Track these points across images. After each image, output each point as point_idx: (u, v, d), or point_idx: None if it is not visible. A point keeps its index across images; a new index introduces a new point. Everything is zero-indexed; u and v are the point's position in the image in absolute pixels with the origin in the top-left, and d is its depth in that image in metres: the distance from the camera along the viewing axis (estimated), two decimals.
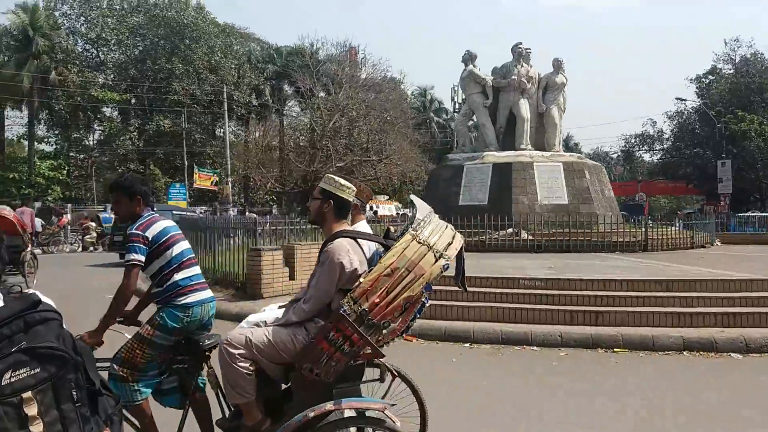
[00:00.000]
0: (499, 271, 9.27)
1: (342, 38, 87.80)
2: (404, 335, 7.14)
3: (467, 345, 7.17)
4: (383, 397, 3.32)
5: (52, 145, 44.29)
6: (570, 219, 13.86)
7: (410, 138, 47.00)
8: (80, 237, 26.37)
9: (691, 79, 53.04)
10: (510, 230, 13.61)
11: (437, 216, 2.83)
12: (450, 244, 2.70)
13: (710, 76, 54.31)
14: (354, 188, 3.14)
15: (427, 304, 2.75)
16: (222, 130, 50.80)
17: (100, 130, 44.54)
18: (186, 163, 39.10)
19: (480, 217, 13.76)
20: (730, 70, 52.78)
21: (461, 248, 2.83)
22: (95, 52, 45.06)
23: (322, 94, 49.00)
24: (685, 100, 50.45)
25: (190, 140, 44.86)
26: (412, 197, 3.11)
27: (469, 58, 17.17)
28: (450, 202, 15.80)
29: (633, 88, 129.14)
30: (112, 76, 43.44)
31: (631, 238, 13.42)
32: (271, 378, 3.03)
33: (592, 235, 13.32)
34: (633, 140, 54.87)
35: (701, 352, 6.52)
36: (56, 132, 45.80)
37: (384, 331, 2.65)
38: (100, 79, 41.56)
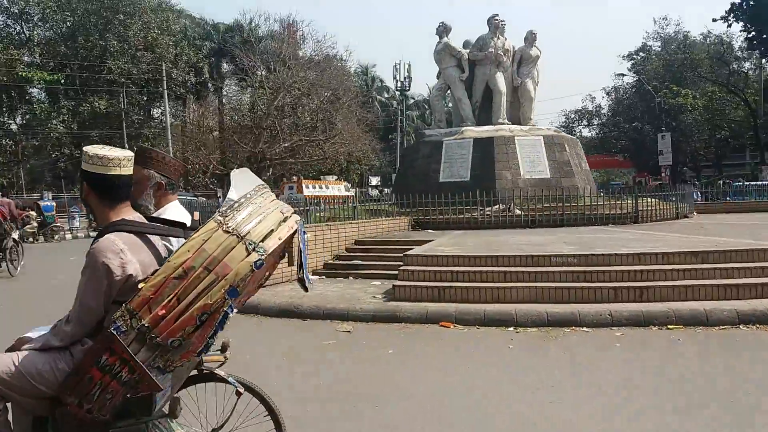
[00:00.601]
0: (518, 248, 8.92)
1: (284, 13, 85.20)
2: (441, 323, 6.77)
3: (511, 329, 6.75)
4: (227, 419, 2.75)
5: None
6: (560, 193, 13.70)
7: (357, 117, 46.33)
8: (19, 227, 24.51)
9: (623, 56, 54.53)
10: (500, 206, 13.33)
11: (270, 194, 2.23)
12: (273, 231, 2.10)
13: (641, 53, 56.12)
14: (123, 157, 2.28)
15: (232, 314, 2.08)
16: (159, 110, 48.72)
17: (26, 112, 41.55)
18: (126, 146, 36.98)
19: (465, 194, 13.44)
20: (659, 47, 54.85)
21: (298, 237, 2.26)
22: (19, 28, 41.94)
23: (262, 72, 47.61)
24: (623, 75, 51.92)
25: (128, 121, 42.65)
26: (233, 172, 2.44)
27: (443, 30, 16.67)
28: (430, 180, 15.42)
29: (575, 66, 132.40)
30: (39, 54, 40.52)
31: (618, 211, 13.38)
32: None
33: (584, 209, 13.22)
34: (573, 116, 56.12)
35: (759, 325, 6.36)
36: None
37: (174, 352, 2.06)
38: (26, 57, 38.63)
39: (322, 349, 6.18)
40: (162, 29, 41.96)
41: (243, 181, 2.28)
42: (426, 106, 76.20)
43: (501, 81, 16.48)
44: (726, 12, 37.31)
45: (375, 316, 7.32)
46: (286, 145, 43.20)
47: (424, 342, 6.36)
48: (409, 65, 60.64)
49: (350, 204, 13.66)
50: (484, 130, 15.81)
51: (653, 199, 14.17)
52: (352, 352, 6.06)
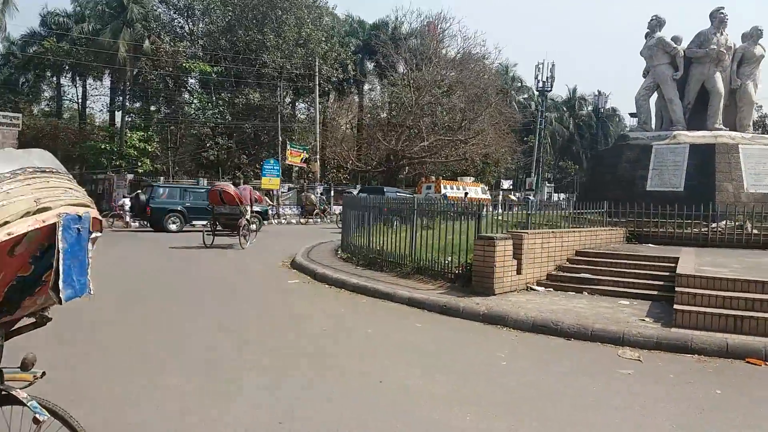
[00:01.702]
0: None
1: (437, 10, 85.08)
2: (747, 359, 5.61)
3: None
4: None
5: (140, 116, 44.04)
6: None
7: (502, 116, 44.96)
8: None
9: None
10: (728, 222, 11.76)
11: (53, 179, 1.95)
12: (29, 214, 1.83)
13: None
14: None
15: None
16: (302, 105, 49.94)
17: (183, 102, 43.87)
18: (279, 139, 38.10)
19: (679, 205, 12.00)
20: None
21: (59, 236, 1.86)
22: (183, 21, 44.51)
23: (406, 69, 47.43)
24: None
25: (277, 115, 44.02)
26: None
27: (657, 24, 15.18)
28: (636, 188, 14.05)
29: None
30: (201, 47, 42.74)
31: None
32: None
33: None
34: None
35: None
36: (142, 104, 45.71)
37: None
38: (190, 50, 40.84)
39: (626, 382, 5.25)
40: (315, 25, 42.77)
41: (15, 156, 1.95)
42: (564, 108, 73.34)
43: (720, 82, 14.70)
44: None
45: (659, 344, 6.32)
46: (426, 144, 42.80)
47: (744, 382, 5.27)
48: (553, 65, 58.38)
49: (542, 210, 12.50)
50: (700, 136, 14.17)
51: None
52: (674, 394, 5.06)
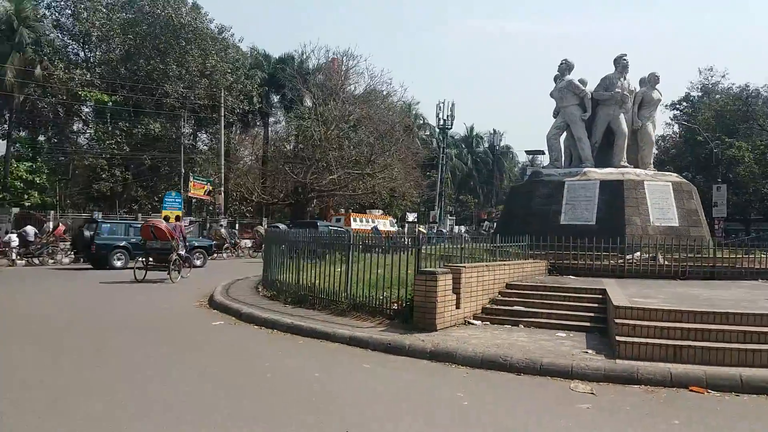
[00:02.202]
0: (732, 305, 8.05)
1: (340, 47, 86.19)
2: (690, 387, 5.88)
3: None
4: None
5: (28, 146, 41.09)
6: (694, 243, 12.83)
7: (410, 152, 45.93)
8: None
9: (666, 105, 54.03)
10: (641, 254, 12.46)
11: None
12: None
13: (684, 103, 55.96)
14: None
15: None
16: (210, 136, 48.60)
17: (84, 131, 41.51)
18: (183, 170, 36.71)
19: (591, 238, 12.62)
20: (700, 97, 54.65)
21: None
22: (78, 48, 42.29)
23: (314, 103, 47.55)
24: (678, 122, 51.37)
25: (179, 147, 42.51)
26: None
27: (566, 67, 16.09)
28: (550, 221, 14.64)
29: None
30: (98, 75, 40.71)
31: (766, 266, 12.41)
32: None
33: (726, 261, 12.32)
34: None
35: None
36: (30, 133, 42.75)
37: None
38: (87, 77, 38.77)
39: (589, 417, 5.30)
40: (220, 57, 42.02)
41: None
42: (463, 145, 76.07)
43: (624, 123, 15.77)
44: None
45: (607, 376, 6.47)
46: (334, 177, 42.86)
47: (695, 412, 5.46)
48: (453, 104, 60.50)
49: (464, 243, 12.68)
50: (608, 172, 15.05)
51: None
52: (638, 427, 5.15)
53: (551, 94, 16.69)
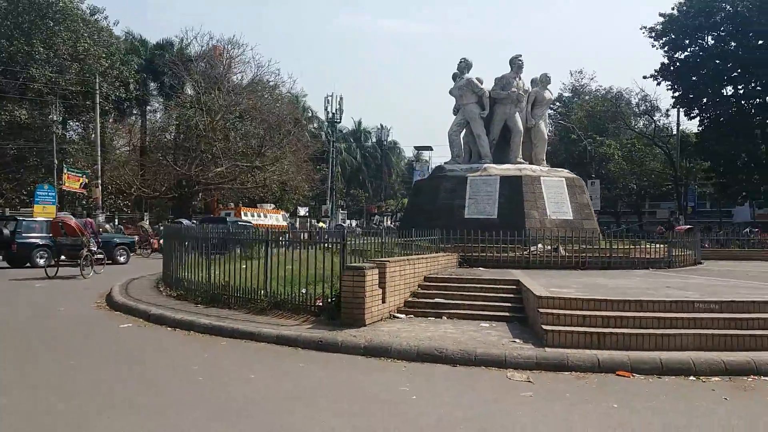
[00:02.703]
0: (642, 293, 8.67)
1: (224, 35, 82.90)
2: (617, 371, 6.32)
3: (692, 378, 6.44)
4: None
5: None
6: (587, 235, 13.76)
7: (300, 144, 45.42)
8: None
9: None
10: (543, 246, 13.12)
11: None
12: None
13: (557, 103, 59.83)
14: None
15: None
16: (82, 125, 45.23)
17: None
18: (56, 161, 33.92)
19: (493, 231, 13.18)
20: (571, 97, 58.94)
21: None
22: None
23: (190, 91, 45.80)
24: (550, 122, 54.62)
25: (48, 136, 39.25)
26: None
27: (465, 66, 16.54)
28: (455, 215, 15.06)
29: None
30: None
31: (653, 255, 13.54)
32: None
33: (620, 252, 13.30)
34: None
35: None
36: None
37: None
38: None
39: (536, 406, 5.50)
40: (93, 40, 39.24)
41: None
42: (351, 139, 76.43)
43: (519, 121, 16.51)
44: (655, 71, 40.04)
45: (539, 364, 6.75)
46: (220, 169, 41.49)
47: (629, 395, 5.83)
48: (341, 98, 60.56)
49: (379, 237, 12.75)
50: (506, 168, 15.71)
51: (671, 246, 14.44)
52: (583, 412, 5.42)
53: (450, 92, 17.13)
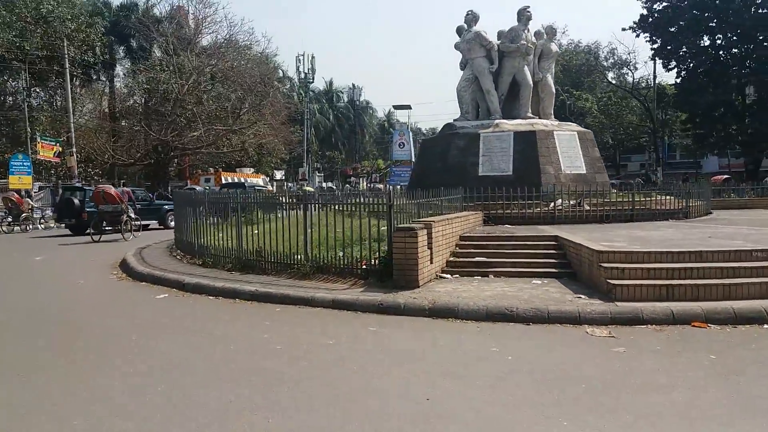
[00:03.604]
0: (694, 243, 8.69)
1: None
2: (693, 323, 6.32)
3: (766, 326, 6.49)
4: None
5: None
6: (599, 189, 13.85)
7: (278, 106, 44.46)
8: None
9: None
10: (560, 201, 13.08)
11: None
12: None
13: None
14: None
15: None
16: (48, 92, 43.43)
17: None
18: (28, 130, 32.57)
19: (509, 188, 13.09)
20: None
21: None
22: None
23: (159, 54, 44.30)
24: None
25: (14, 104, 37.68)
26: None
27: (472, 18, 16.11)
28: (468, 173, 14.88)
29: None
30: None
31: (668, 207, 13.64)
32: None
33: (640, 204, 13.36)
34: None
35: None
36: None
37: None
38: None
39: (638, 360, 5.46)
40: (57, 1, 37.37)
41: None
42: (324, 100, 75.20)
43: (528, 74, 16.24)
44: (634, 23, 40.03)
45: (614, 319, 6.70)
46: (196, 133, 40.41)
47: (719, 345, 5.83)
48: (313, 57, 59.20)
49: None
50: (519, 124, 15.51)
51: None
52: (684, 365, 5.39)
53: (456, 46, 16.75)
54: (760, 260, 7.68)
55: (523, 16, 15.98)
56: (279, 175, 56.92)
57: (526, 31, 16.03)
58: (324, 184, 56.70)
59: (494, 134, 15.06)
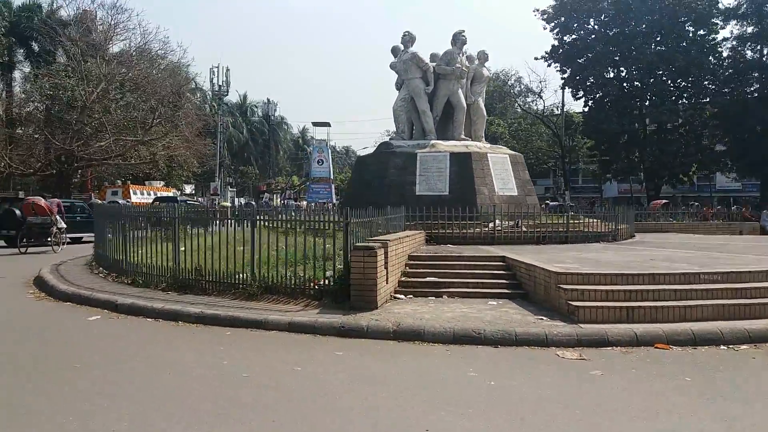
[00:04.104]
0: (647, 267, 8.93)
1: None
2: (656, 344, 6.47)
3: (723, 347, 6.71)
4: None
5: None
6: (527, 210, 14.29)
7: (191, 118, 42.97)
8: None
9: None
10: (498, 221, 13.24)
11: None
12: None
13: None
14: None
15: None
16: None
17: None
18: None
19: (445, 207, 13.16)
20: None
21: None
22: None
23: (63, 59, 41.90)
24: None
25: None
26: None
27: (409, 39, 16.13)
28: (406, 192, 14.83)
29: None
30: None
31: (599, 230, 14.12)
32: None
33: (570, 227, 13.74)
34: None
35: None
36: None
37: None
38: None
39: (618, 385, 5.46)
40: None
41: None
42: (237, 114, 73.59)
43: (462, 97, 16.46)
44: (546, 53, 41.96)
45: (580, 341, 6.73)
46: (104, 144, 38.22)
47: (692, 368, 5.95)
48: (228, 69, 57.99)
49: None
50: (454, 145, 15.63)
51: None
52: (663, 387, 5.44)
53: (392, 66, 16.76)
54: (708, 282, 7.98)
55: (459, 39, 16.23)
56: (188, 189, 54.93)
57: (461, 55, 16.27)
58: (237, 200, 55.24)
59: (431, 154, 15.11)
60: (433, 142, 15.63)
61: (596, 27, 40.48)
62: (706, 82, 37.81)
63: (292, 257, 8.87)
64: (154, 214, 10.65)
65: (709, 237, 17.35)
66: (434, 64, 16.33)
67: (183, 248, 9.93)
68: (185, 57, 65.76)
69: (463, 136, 16.42)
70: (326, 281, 8.50)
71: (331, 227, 9.02)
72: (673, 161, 37.76)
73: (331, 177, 47.04)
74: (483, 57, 17.35)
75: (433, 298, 8.91)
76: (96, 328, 7.75)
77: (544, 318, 7.49)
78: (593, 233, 13.71)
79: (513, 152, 17.16)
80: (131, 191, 37.54)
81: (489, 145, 16.72)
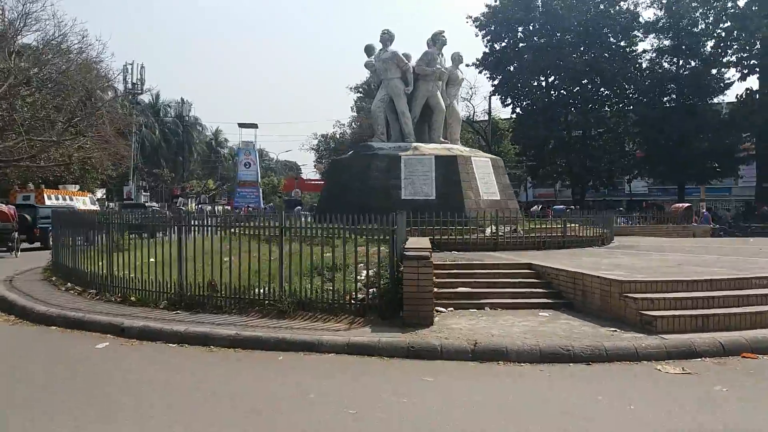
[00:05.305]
0: (668, 273, 8.77)
1: None
2: (742, 354, 6.29)
3: None
4: None
5: None
6: (511, 215, 14.11)
7: (117, 118, 40.17)
8: None
9: (351, 88, 58.16)
10: (493, 227, 12.88)
11: None
12: None
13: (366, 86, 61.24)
14: None
15: None
16: None
17: None
18: None
19: (432, 212, 12.68)
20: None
21: None
22: None
23: None
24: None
25: None
26: None
27: (388, 38, 15.45)
28: (392, 196, 14.18)
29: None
30: None
31: (588, 235, 14.04)
32: None
33: (573, 231, 13.65)
34: (322, 140, 57.74)
35: None
36: None
37: None
38: None
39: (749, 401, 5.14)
40: None
41: None
42: (150, 114, 69.80)
43: (441, 99, 15.98)
44: (477, 59, 42.45)
45: (669, 353, 6.40)
46: (10, 143, 34.80)
47: None
48: (143, 67, 54.99)
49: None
50: (436, 148, 15.13)
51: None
52: None
53: (367, 65, 16.10)
54: (757, 287, 7.89)
55: (438, 40, 15.78)
56: (99, 193, 51.38)
57: (440, 56, 15.83)
58: (150, 204, 52.25)
59: (415, 157, 14.54)
60: (414, 144, 15.09)
61: (526, 35, 41.38)
62: (628, 91, 39.47)
63: (329, 267, 8.03)
64: (150, 220, 9.36)
65: (674, 240, 17.79)
66: (414, 64, 15.77)
67: (189, 262, 8.81)
68: (104, 52, 61.92)
69: (443, 139, 16.00)
70: (365, 295, 7.72)
71: (380, 235, 8.19)
72: (598, 166, 39.20)
73: (259, 180, 45.41)
74: (458, 59, 16.99)
75: (475, 310, 8.33)
76: (114, 359, 6.58)
77: (617, 330, 7.09)
78: (587, 238, 13.63)
79: (493, 156, 16.91)
80: (45, 196, 34.29)
81: (469, 149, 16.38)
